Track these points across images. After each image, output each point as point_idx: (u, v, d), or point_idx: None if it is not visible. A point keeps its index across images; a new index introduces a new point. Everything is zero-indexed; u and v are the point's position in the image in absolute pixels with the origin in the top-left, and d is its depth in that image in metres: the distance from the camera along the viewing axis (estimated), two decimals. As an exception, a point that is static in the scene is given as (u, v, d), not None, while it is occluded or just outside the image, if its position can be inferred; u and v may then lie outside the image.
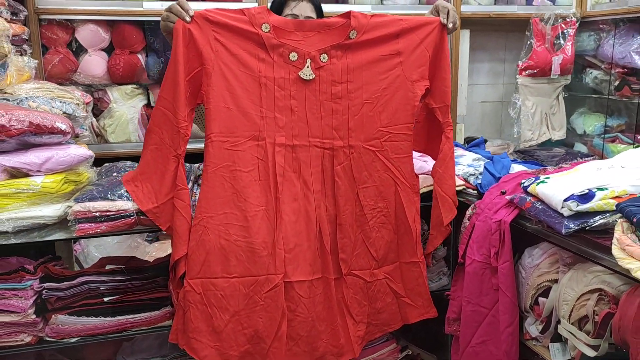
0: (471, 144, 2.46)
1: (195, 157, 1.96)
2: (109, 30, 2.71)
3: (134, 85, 2.84)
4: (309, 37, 1.70)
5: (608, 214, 1.46)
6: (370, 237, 1.80)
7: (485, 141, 3.23)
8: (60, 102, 2.02)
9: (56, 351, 1.98)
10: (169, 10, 1.65)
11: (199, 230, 1.65)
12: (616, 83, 3.05)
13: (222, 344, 1.66)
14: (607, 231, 1.45)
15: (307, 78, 1.69)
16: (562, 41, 3.13)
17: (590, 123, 3.29)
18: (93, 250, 2.62)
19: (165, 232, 1.73)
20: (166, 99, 1.67)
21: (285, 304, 1.68)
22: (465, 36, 3.11)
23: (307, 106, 1.70)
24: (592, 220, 1.46)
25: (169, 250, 1.90)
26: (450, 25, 1.77)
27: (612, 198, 1.46)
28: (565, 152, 3.07)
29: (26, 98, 1.97)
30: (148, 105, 2.90)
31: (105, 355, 2.06)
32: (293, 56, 1.68)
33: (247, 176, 1.66)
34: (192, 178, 1.89)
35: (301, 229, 1.70)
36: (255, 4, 2.64)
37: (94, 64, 2.73)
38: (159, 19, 1.74)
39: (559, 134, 3.23)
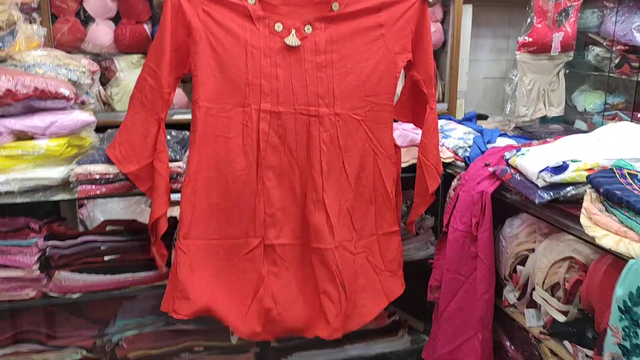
0: (463, 117, 2.50)
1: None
2: (116, 0, 2.78)
3: (141, 55, 2.89)
4: (293, 9, 1.76)
5: (580, 185, 1.52)
6: (353, 207, 1.85)
7: (487, 117, 3.30)
8: (66, 69, 2.09)
9: (61, 308, 2.09)
10: None
11: (187, 192, 1.73)
12: (617, 60, 3.07)
13: (201, 301, 1.73)
14: (579, 202, 1.49)
15: (293, 44, 1.75)
16: (564, 18, 3.14)
17: (590, 100, 3.31)
18: (99, 215, 2.72)
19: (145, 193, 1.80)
20: (150, 66, 1.75)
21: (266, 266, 1.76)
22: (467, 11, 3.13)
23: (292, 74, 1.77)
24: (564, 191, 1.52)
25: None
26: (431, 0, 1.82)
27: (584, 170, 1.52)
28: (564, 129, 3.11)
29: (33, 65, 2.04)
30: (154, 75, 2.97)
31: (106, 314, 2.17)
32: (278, 27, 1.75)
33: (230, 142, 1.73)
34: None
35: (284, 194, 1.77)
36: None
37: (101, 33, 2.77)
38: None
39: (556, 111, 3.24)
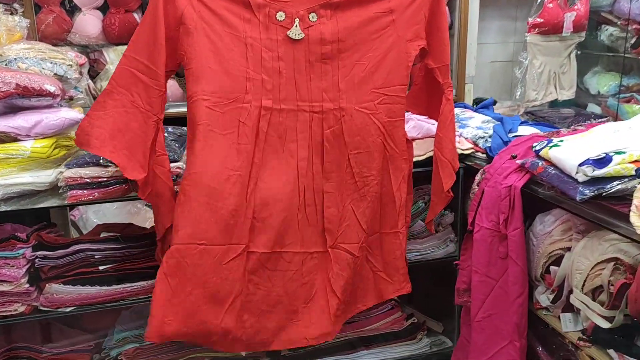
0: (480, 105, 2.35)
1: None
2: (103, -12, 2.65)
3: (131, 46, 2.76)
4: None
5: (626, 179, 1.38)
6: (360, 207, 1.70)
7: (495, 102, 3.15)
8: (51, 63, 1.97)
9: (54, 320, 1.95)
10: None
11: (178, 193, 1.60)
12: (633, 40, 2.93)
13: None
14: (625, 197, 1.37)
15: (297, 38, 1.60)
16: (576, -4, 2.99)
17: (604, 82, 3.17)
18: (92, 216, 2.57)
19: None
20: (138, 59, 1.58)
21: (247, 276, 1.60)
22: (474, -7, 2.98)
23: (295, 68, 1.62)
24: (608, 186, 1.38)
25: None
26: None
27: (630, 162, 1.38)
28: (575, 112, 2.98)
29: (15, 59, 1.91)
30: (146, 66, 2.84)
31: (104, 324, 2.02)
32: (280, 16, 1.59)
33: (223, 139, 1.58)
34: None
35: (279, 197, 1.62)
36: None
37: (89, 23, 2.67)
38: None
39: (567, 94, 3.11)
